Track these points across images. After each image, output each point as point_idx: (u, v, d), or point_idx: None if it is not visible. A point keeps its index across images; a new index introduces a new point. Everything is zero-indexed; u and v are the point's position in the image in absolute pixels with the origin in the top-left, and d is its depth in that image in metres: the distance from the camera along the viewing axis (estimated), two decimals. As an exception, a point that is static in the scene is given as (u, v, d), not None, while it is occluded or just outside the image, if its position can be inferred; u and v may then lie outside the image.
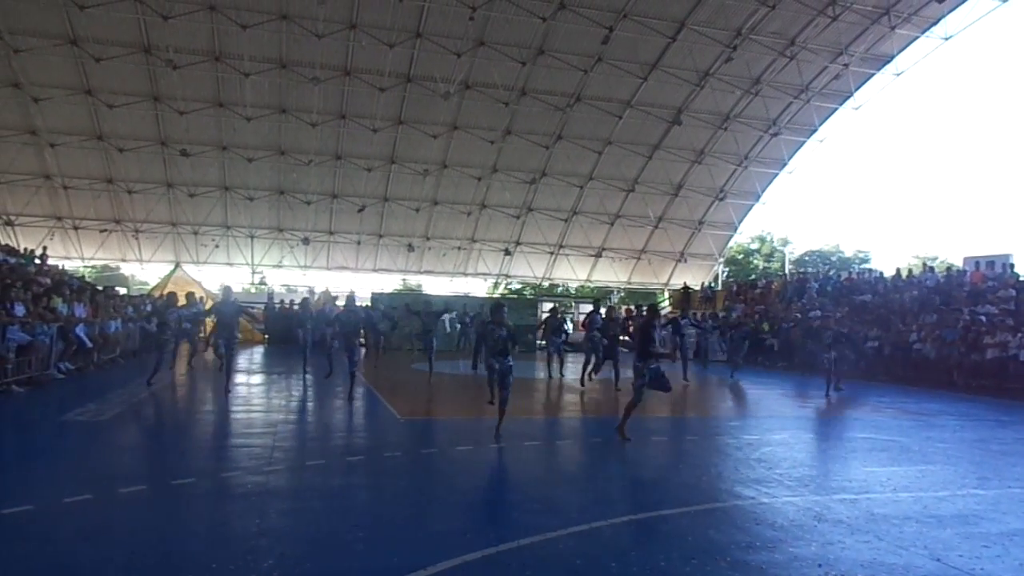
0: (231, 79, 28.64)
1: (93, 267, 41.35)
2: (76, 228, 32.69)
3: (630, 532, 5.88)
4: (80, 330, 16.15)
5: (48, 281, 18.34)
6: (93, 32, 26.24)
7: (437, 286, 39.79)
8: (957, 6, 26.91)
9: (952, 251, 73.72)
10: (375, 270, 37.29)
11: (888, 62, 30.26)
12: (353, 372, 13.25)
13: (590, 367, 16.29)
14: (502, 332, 10.10)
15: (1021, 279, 22.56)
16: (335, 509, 6.38)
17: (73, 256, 33.35)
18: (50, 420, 10.48)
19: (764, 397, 14.12)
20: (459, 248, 37.12)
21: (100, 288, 21.77)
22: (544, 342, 21.62)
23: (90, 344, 16.52)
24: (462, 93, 29.83)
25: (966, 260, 28.29)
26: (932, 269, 29.54)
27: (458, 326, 25.86)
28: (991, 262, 25.31)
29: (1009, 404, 16.11)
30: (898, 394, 17.40)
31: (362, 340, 28.82)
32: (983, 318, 20.43)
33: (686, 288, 37.26)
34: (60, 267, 24.18)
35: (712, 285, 38.23)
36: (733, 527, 6.26)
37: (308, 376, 15.77)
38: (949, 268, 29.48)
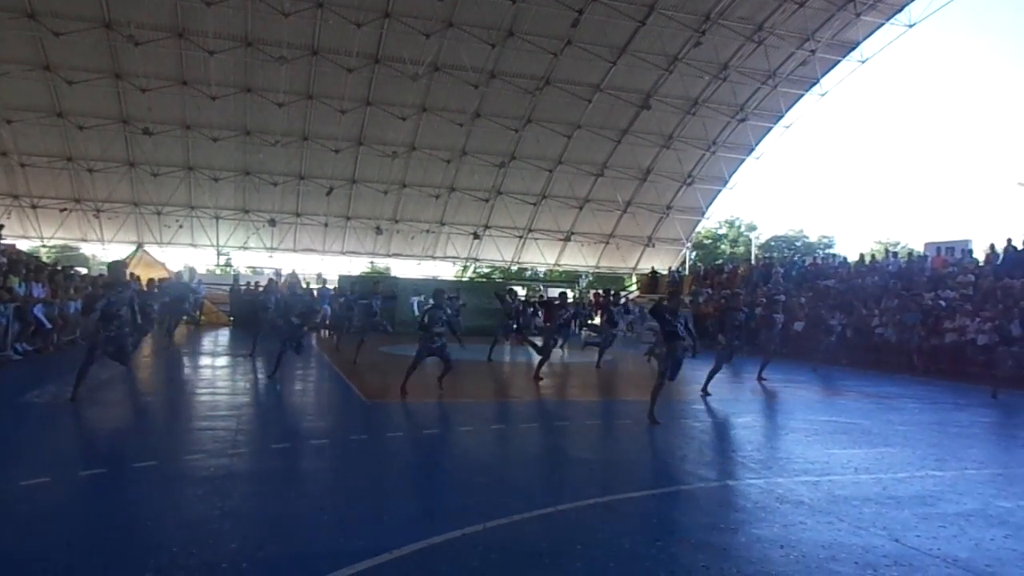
0: (195, 57, 28.07)
1: (53, 247, 40.51)
2: (35, 207, 31.99)
3: (595, 514, 5.90)
4: (38, 310, 15.78)
5: (4, 260, 17.90)
6: (51, 5, 25.52)
7: (405, 269, 39.66)
8: (921, -7, 27.25)
9: (913, 237, 75.23)
10: (343, 253, 37.02)
11: (853, 48, 30.59)
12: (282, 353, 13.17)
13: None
14: (442, 314, 11.85)
15: (980, 264, 23.04)
16: (300, 492, 6.33)
17: (32, 235, 32.67)
18: (6, 402, 10.24)
19: (728, 381, 14.26)
20: (428, 231, 36.96)
21: (59, 268, 21.28)
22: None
23: (49, 325, 16.17)
24: (431, 75, 29.59)
25: (927, 246, 28.83)
26: (894, 254, 30.04)
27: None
28: (951, 248, 25.80)
29: (967, 388, 16.45)
30: (859, 377, 17.69)
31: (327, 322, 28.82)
32: (943, 303, 20.83)
33: (654, 272, 37.55)
34: (14, 245, 23.59)
35: (680, 270, 38.51)
36: (697, 509, 6.33)
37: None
38: (910, 253, 30.00)
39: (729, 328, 13.83)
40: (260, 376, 13.79)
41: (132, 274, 26.40)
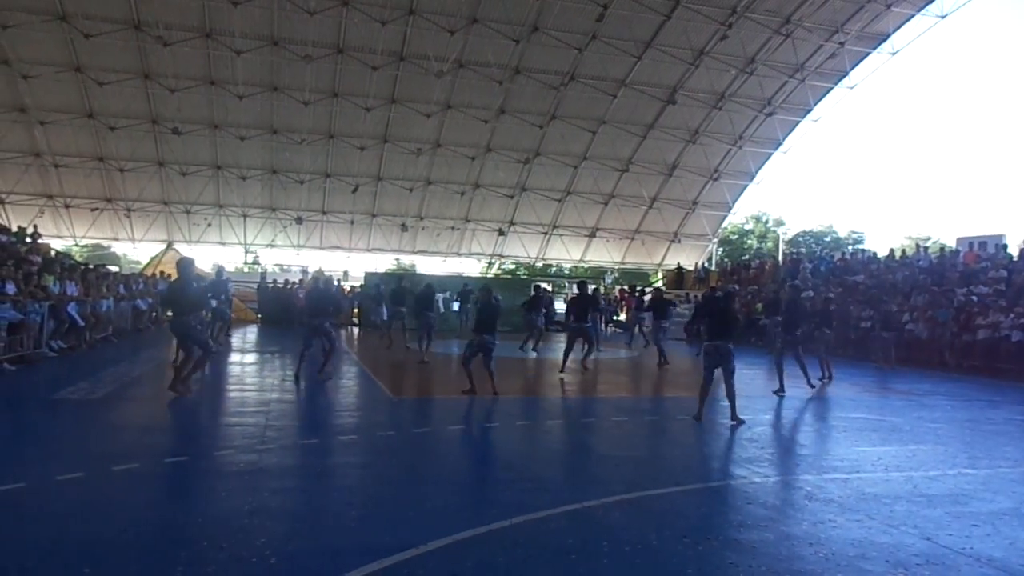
0: (222, 57, 28.36)
1: (85, 246, 41.15)
2: (67, 206, 32.53)
3: (622, 511, 5.88)
4: (72, 308, 16.05)
5: (39, 259, 18.23)
6: (82, 7, 25.89)
7: (431, 266, 39.80)
8: (953, -17, 26.76)
9: (945, 231, 74.18)
10: (368, 250, 37.21)
11: (884, 40, 30.09)
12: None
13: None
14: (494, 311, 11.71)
15: (1014, 259, 22.63)
16: (328, 488, 6.39)
17: (65, 235, 33.24)
18: (42, 398, 10.45)
19: (756, 377, 14.16)
20: (453, 228, 37.03)
21: (91, 267, 21.61)
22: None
23: (82, 323, 16.43)
24: (455, 72, 29.59)
25: (959, 240, 28.36)
26: (925, 250, 29.60)
27: (453, 306, 25.91)
28: (983, 242, 25.36)
29: (1000, 384, 16.19)
30: (889, 374, 17.47)
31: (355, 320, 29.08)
32: (975, 298, 20.50)
33: (680, 268, 37.34)
34: (48, 245, 24.03)
35: (706, 265, 38.25)
36: (725, 506, 6.29)
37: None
38: (942, 249, 29.54)
39: (798, 319, 13.80)
40: (289, 376, 13.90)
41: (163, 272, 26.94)
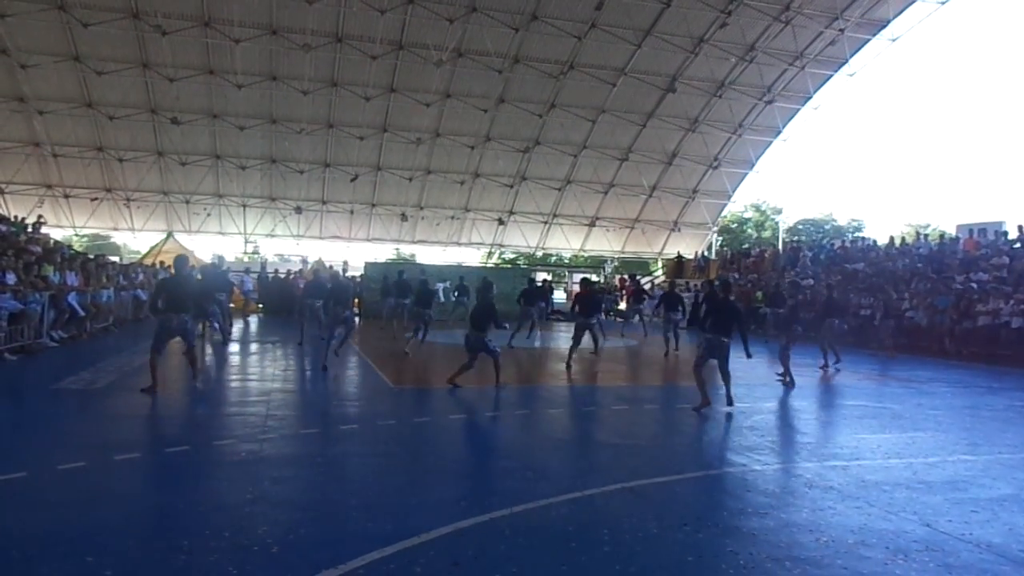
0: (221, 46, 28.26)
1: (85, 235, 41.16)
2: (67, 196, 32.51)
3: (622, 499, 5.90)
4: (72, 298, 16.06)
5: (39, 249, 18.22)
6: (80, -5, 25.81)
7: (431, 256, 39.77)
8: (954, -29, 26.62)
9: (945, 219, 74.11)
10: (368, 239, 37.18)
11: (884, 27, 29.98)
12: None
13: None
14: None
15: (1014, 246, 22.62)
16: (329, 477, 6.40)
17: (65, 224, 33.23)
18: (43, 388, 10.45)
19: (756, 365, 14.16)
20: (452, 217, 36.99)
21: (91, 256, 21.59)
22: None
23: (82, 312, 16.45)
24: (455, 61, 29.50)
25: (959, 227, 28.35)
26: (925, 237, 29.58)
27: (453, 296, 25.86)
28: (983, 229, 25.35)
29: (1000, 371, 16.21)
30: (890, 362, 17.49)
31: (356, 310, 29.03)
32: (975, 285, 20.51)
33: (680, 257, 37.32)
34: (48, 235, 24.01)
35: (706, 254, 38.24)
36: (725, 494, 6.31)
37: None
38: (942, 236, 29.52)
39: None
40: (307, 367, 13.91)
41: (162, 262, 26.91)
